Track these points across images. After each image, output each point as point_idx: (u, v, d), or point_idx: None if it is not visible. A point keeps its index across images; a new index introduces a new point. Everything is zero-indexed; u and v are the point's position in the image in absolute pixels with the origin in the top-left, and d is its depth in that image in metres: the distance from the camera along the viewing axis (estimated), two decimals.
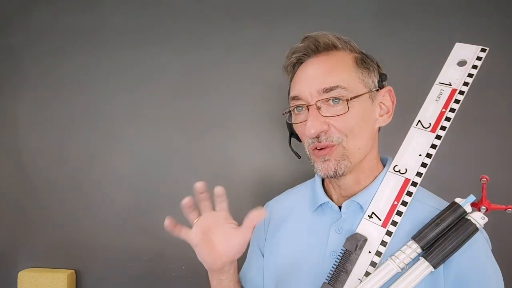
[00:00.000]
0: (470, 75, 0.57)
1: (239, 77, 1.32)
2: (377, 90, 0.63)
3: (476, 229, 0.53)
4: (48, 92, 1.41)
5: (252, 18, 1.31)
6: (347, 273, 0.59)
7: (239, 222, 1.32)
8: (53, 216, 1.40)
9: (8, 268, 1.40)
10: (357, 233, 0.60)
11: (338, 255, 0.60)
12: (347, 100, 0.58)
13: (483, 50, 0.57)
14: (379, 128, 0.66)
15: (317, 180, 0.71)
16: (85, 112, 1.39)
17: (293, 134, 0.71)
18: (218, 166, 1.33)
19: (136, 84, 1.37)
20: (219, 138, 1.33)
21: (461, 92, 0.57)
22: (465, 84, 0.57)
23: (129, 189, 1.37)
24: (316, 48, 0.63)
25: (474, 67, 0.57)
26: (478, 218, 0.53)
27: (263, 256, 0.75)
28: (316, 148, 0.62)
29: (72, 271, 1.38)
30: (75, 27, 1.41)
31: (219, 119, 1.33)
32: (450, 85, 0.58)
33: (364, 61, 0.63)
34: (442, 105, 0.58)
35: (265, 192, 1.29)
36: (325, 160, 0.61)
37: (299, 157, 0.74)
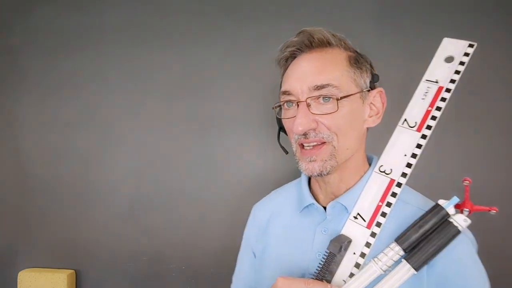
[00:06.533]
0: (457, 72, 0.60)
1: (239, 77, 1.40)
2: (368, 90, 0.68)
3: (458, 232, 0.57)
4: (48, 92, 1.52)
5: (251, 18, 1.40)
6: (332, 274, 0.64)
7: (238, 221, 1.40)
8: (53, 216, 1.52)
9: (8, 268, 1.53)
10: (341, 235, 0.66)
11: (323, 257, 0.65)
12: (337, 100, 0.63)
13: (471, 46, 0.60)
14: (367, 128, 0.71)
15: (303, 180, 0.77)
16: (84, 113, 1.50)
17: (282, 128, 0.76)
18: (218, 166, 1.42)
19: (135, 84, 1.47)
20: (218, 138, 1.42)
21: (448, 90, 0.60)
22: (452, 81, 0.60)
23: (129, 189, 1.47)
24: (311, 43, 0.68)
25: (462, 63, 0.60)
26: (460, 220, 0.58)
27: (255, 256, 0.82)
28: (303, 146, 0.67)
29: (72, 271, 1.49)
30: (75, 27, 1.51)
31: (218, 119, 1.42)
32: (437, 82, 0.62)
33: (357, 61, 0.68)
34: (428, 103, 0.62)
35: (264, 191, 1.34)
36: (311, 161, 0.66)
37: (287, 152, 0.80)
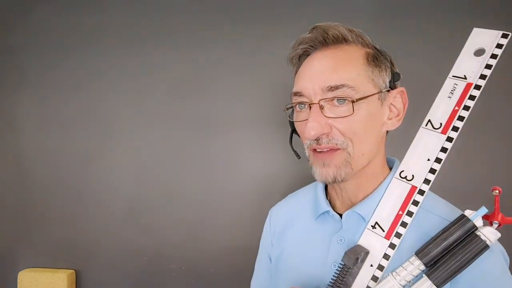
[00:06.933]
0: (488, 67, 0.50)
1: (239, 77, 1.32)
2: (388, 90, 0.58)
3: (486, 247, 0.48)
4: (48, 92, 1.43)
5: (251, 18, 1.32)
6: (347, 286, 0.55)
7: (238, 221, 1.31)
8: (53, 216, 1.42)
9: (8, 268, 1.43)
10: (358, 246, 0.57)
11: (337, 268, 0.57)
12: (353, 102, 0.54)
13: (504, 36, 0.50)
14: (387, 131, 0.61)
15: (320, 185, 0.68)
16: (85, 112, 1.41)
17: (294, 131, 0.67)
18: (218, 166, 1.33)
19: (136, 84, 1.38)
20: (218, 138, 1.33)
21: (477, 87, 0.50)
22: (482, 77, 0.50)
23: (129, 189, 1.38)
24: (324, 40, 0.59)
25: (494, 56, 0.50)
26: (489, 234, 0.48)
27: (271, 261, 0.74)
28: (315, 150, 0.58)
29: (72, 271, 1.40)
30: (75, 27, 1.42)
31: (218, 119, 1.34)
32: (465, 78, 0.52)
33: (376, 58, 0.58)
34: (455, 102, 0.51)
35: (268, 193, 1.28)
36: (324, 166, 0.57)
37: (299, 157, 0.70)
